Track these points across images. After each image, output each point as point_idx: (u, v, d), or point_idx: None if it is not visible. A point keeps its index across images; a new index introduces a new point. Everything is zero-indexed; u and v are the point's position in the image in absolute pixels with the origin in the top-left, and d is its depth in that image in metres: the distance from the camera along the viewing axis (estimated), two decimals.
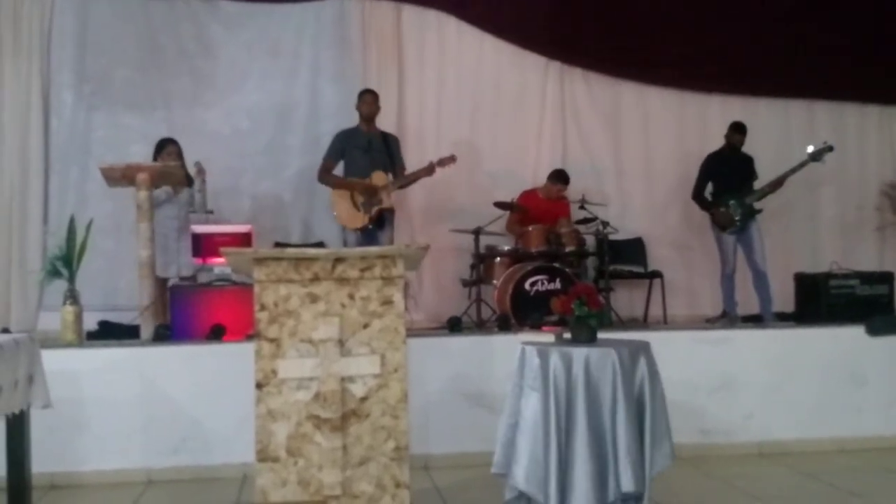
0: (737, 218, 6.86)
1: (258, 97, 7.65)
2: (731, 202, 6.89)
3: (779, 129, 8.21)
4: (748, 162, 7.14)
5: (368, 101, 6.65)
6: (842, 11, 8.09)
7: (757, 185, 7.01)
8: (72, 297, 5.09)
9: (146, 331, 5.31)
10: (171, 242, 6.10)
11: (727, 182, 7.01)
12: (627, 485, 3.25)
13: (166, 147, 6.29)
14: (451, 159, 6.61)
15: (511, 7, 7.91)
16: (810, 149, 6.89)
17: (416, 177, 6.60)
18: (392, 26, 7.86)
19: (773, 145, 7.34)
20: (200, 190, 6.23)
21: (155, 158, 6.22)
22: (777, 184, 6.93)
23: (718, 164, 7.12)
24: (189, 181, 6.20)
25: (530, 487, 3.33)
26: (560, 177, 7.32)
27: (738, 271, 7.04)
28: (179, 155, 6.27)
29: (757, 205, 6.92)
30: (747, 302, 7.09)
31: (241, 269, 3.68)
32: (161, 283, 6.05)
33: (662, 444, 3.43)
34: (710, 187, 7.16)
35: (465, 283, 7.00)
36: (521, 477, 3.35)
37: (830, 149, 6.90)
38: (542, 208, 7.16)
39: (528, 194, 7.34)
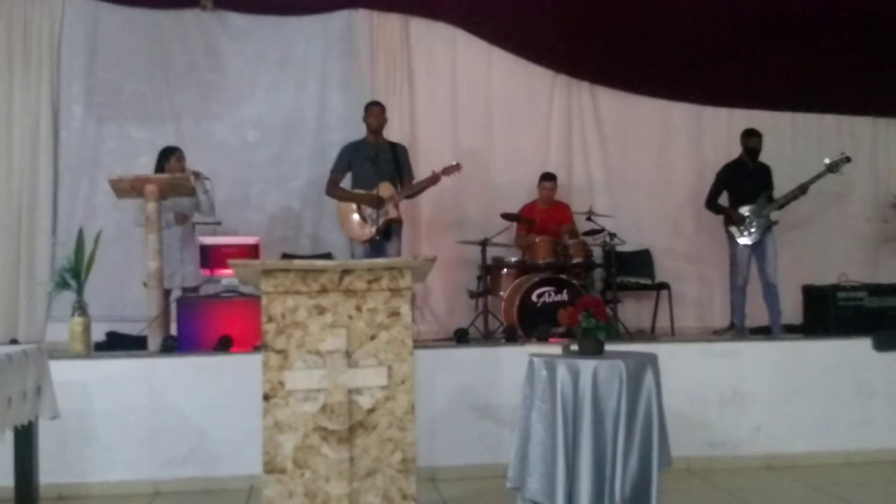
0: (752, 229, 6.81)
1: (266, 109, 7.69)
2: (747, 214, 6.83)
3: (788, 143, 8.18)
4: (765, 172, 7.03)
5: (375, 113, 6.62)
6: (852, 25, 8.06)
7: (773, 196, 6.91)
8: (80, 308, 5.10)
9: (154, 342, 5.32)
10: (173, 253, 6.06)
11: (743, 192, 6.91)
12: (626, 496, 3.25)
13: (174, 153, 6.23)
14: (456, 168, 6.57)
15: (518, 20, 7.90)
16: (827, 160, 6.83)
17: (421, 187, 6.57)
18: (400, 38, 7.89)
19: (783, 159, 7.31)
20: (206, 192, 6.18)
21: (159, 166, 6.20)
22: (793, 195, 6.81)
23: (735, 174, 7.02)
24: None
25: (543, 498, 3.33)
26: (546, 176, 7.34)
27: (748, 283, 6.97)
28: (183, 162, 6.23)
29: (773, 216, 6.85)
30: (755, 314, 7.06)
31: (248, 280, 3.70)
32: (164, 294, 6.05)
33: (664, 449, 3.44)
34: (725, 199, 7.06)
35: (472, 295, 7.01)
36: (534, 489, 3.36)
37: (848, 160, 6.85)
38: (545, 217, 7.17)
39: (528, 207, 7.34)
